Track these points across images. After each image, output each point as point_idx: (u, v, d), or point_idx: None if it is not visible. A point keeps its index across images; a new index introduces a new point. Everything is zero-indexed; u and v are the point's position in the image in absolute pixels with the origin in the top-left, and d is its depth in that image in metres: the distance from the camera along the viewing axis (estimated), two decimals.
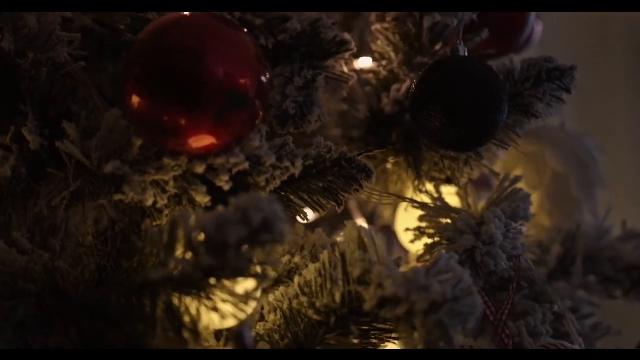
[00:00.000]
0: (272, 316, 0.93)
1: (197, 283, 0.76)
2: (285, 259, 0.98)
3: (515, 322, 0.99)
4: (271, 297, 0.92)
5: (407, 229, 1.06)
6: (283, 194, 0.94)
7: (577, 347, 0.95)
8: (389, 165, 1.11)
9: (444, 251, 0.85)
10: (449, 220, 1.01)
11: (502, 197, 1.03)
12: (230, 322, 0.80)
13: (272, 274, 0.96)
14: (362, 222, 1.26)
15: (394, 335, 0.87)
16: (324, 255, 0.89)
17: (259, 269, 0.77)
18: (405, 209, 1.14)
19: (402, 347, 0.91)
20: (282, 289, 0.92)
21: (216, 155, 0.87)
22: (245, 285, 0.79)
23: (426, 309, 0.79)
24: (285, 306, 0.90)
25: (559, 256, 1.17)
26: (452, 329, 0.80)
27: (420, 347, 0.81)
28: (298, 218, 0.97)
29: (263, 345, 0.92)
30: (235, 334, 0.75)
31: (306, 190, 0.94)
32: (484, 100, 0.96)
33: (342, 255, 0.88)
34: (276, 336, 0.91)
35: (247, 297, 0.78)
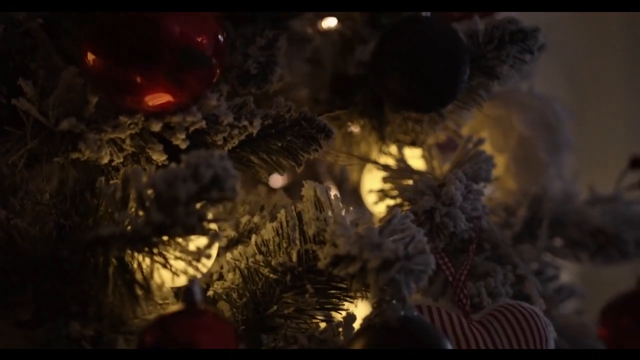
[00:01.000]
0: (230, 275, 0.93)
1: (148, 239, 0.76)
2: (245, 218, 0.98)
3: (476, 283, 1.00)
4: (229, 256, 0.92)
5: (371, 191, 1.06)
6: (242, 153, 0.94)
7: (537, 308, 0.95)
8: (354, 128, 1.11)
9: (398, 210, 0.85)
10: (410, 182, 1.01)
11: (465, 158, 1.03)
12: (185, 280, 0.81)
13: (224, 231, 0.97)
14: (331, 186, 1.27)
15: (350, 294, 0.87)
16: (282, 215, 0.89)
17: (211, 227, 0.77)
18: (370, 172, 1.14)
19: (359, 307, 0.91)
20: (240, 248, 0.92)
21: (173, 113, 0.87)
22: (199, 242, 0.79)
23: (378, 267, 0.79)
24: (242, 265, 0.90)
25: (524, 219, 1.17)
26: (404, 286, 0.80)
27: (374, 304, 0.81)
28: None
29: (222, 305, 0.93)
30: (183, 289, 0.76)
31: (265, 150, 0.94)
32: (446, 61, 0.96)
33: (299, 214, 0.88)
34: (234, 295, 0.91)
35: (199, 255, 0.78)
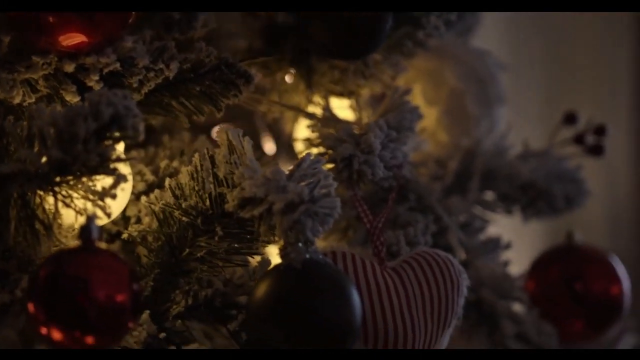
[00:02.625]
0: (147, 219, 0.94)
1: (48, 178, 0.76)
2: (164, 163, 0.98)
3: (396, 232, 1.01)
4: (144, 199, 0.93)
5: (296, 139, 1.07)
6: (161, 97, 0.94)
7: (451, 256, 0.96)
8: (286, 77, 1.11)
9: (309, 155, 0.86)
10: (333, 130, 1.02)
11: (390, 108, 1.03)
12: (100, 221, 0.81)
13: (143, 175, 0.98)
14: (268, 137, 1.27)
15: (261, 238, 0.87)
16: (196, 158, 0.89)
17: (114, 166, 0.77)
18: (301, 122, 1.15)
19: (272, 253, 0.92)
20: (157, 191, 0.92)
21: (87, 54, 0.87)
22: (104, 182, 0.79)
23: (283, 209, 0.80)
24: (157, 208, 0.91)
25: (455, 172, 1.18)
26: (309, 229, 0.81)
27: (279, 247, 0.82)
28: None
29: (139, 249, 0.93)
30: (80, 226, 0.76)
31: (184, 95, 0.94)
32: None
33: (212, 157, 0.88)
34: (150, 238, 0.92)
35: (104, 195, 0.78)
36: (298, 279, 0.81)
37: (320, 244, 1.07)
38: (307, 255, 0.82)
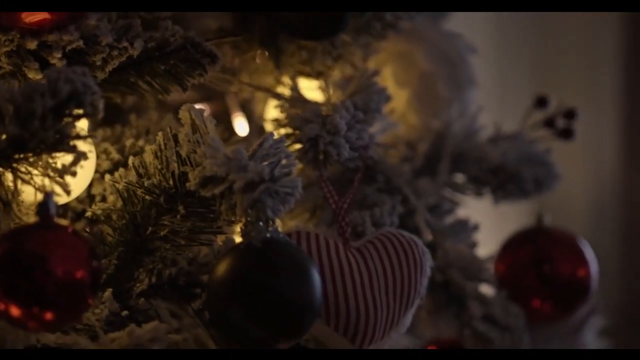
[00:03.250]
0: (112, 197, 0.94)
1: (7, 154, 0.76)
2: (130, 142, 0.98)
3: (362, 212, 1.01)
4: (108, 177, 0.93)
5: (265, 120, 1.07)
6: (126, 76, 0.94)
7: (415, 237, 0.96)
8: (256, 57, 1.11)
9: (271, 134, 0.86)
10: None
11: (358, 90, 1.03)
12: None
13: (110, 154, 0.98)
14: (240, 118, 1.27)
15: (223, 216, 0.87)
16: (159, 137, 0.89)
17: (74, 143, 0.77)
18: (271, 103, 1.15)
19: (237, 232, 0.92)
20: (121, 170, 0.92)
21: (49, 31, 0.87)
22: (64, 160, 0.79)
23: (243, 188, 0.80)
24: (121, 186, 0.91)
25: (425, 154, 1.18)
26: (269, 208, 0.81)
27: (240, 226, 0.83)
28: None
29: (105, 229, 0.94)
30: (39, 203, 0.76)
31: (150, 74, 0.94)
32: None
33: (175, 136, 0.88)
34: (114, 216, 0.92)
35: (63, 172, 0.78)
36: (258, 258, 0.81)
37: (289, 224, 1.08)
38: (268, 234, 0.83)
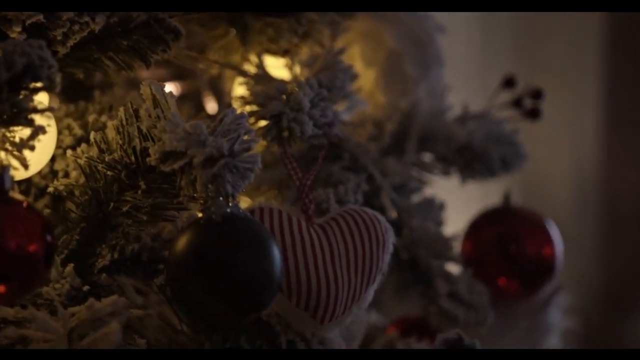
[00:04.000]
0: (74, 173, 0.94)
1: None
2: (93, 117, 0.98)
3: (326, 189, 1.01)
4: (69, 153, 0.93)
5: (232, 97, 1.07)
6: (89, 51, 0.94)
7: (379, 215, 0.97)
8: (223, 35, 1.11)
9: (232, 110, 0.86)
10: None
11: (324, 67, 1.03)
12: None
13: (72, 129, 0.98)
14: (211, 98, 1.27)
15: (183, 192, 0.87)
16: (121, 112, 0.89)
17: (32, 117, 0.77)
18: (238, 80, 1.15)
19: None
20: (84, 145, 0.92)
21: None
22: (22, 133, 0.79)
23: (202, 163, 0.81)
24: (83, 162, 0.91)
25: (393, 133, 1.18)
26: (229, 183, 0.81)
27: (200, 201, 0.83)
28: None
29: (69, 205, 0.93)
30: None
31: (113, 49, 0.94)
32: None
33: (136, 112, 0.88)
34: (77, 192, 0.92)
35: (21, 146, 0.78)
36: (217, 232, 0.82)
37: (255, 201, 1.08)
38: (228, 210, 0.83)
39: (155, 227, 0.94)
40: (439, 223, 1.18)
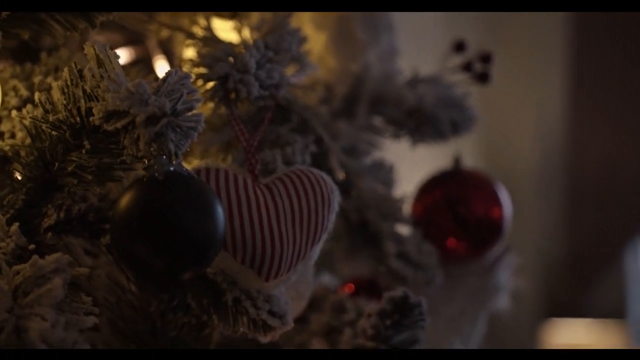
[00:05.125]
0: (20, 134, 0.94)
1: None
2: (38, 78, 0.98)
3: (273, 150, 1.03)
4: (15, 113, 0.93)
5: (181, 60, 1.07)
6: (35, 13, 0.94)
7: (325, 175, 0.98)
8: None
9: (176, 70, 0.87)
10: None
11: (271, 30, 1.04)
12: None
13: (18, 91, 0.98)
14: (161, 60, 1.27)
15: (127, 151, 0.88)
16: (65, 72, 0.89)
17: None
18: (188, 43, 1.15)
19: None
20: (29, 106, 0.92)
21: None
22: None
23: (145, 122, 0.81)
24: (28, 122, 0.91)
25: (343, 96, 1.20)
26: (171, 142, 0.82)
27: (143, 160, 0.84)
28: None
29: (15, 166, 0.94)
30: None
31: (57, 10, 0.94)
32: None
33: (80, 71, 0.88)
34: (23, 153, 0.92)
35: None
36: (159, 190, 0.82)
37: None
38: (171, 168, 0.84)
39: (103, 187, 0.95)
40: (389, 185, 1.20)
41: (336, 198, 0.98)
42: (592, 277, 4.45)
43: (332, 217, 0.97)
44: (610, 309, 4.32)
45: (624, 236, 4.40)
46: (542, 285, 4.45)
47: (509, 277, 1.29)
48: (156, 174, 0.83)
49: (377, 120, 1.24)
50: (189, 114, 0.83)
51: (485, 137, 4.28)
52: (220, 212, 0.85)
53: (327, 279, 1.24)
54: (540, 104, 4.31)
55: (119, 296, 0.99)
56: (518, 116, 4.40)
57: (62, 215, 0.92)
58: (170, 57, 1.28)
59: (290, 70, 1.05)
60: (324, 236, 0.96)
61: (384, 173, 1.19)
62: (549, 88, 4.38)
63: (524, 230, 4.43)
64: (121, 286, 0.99)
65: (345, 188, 1.14)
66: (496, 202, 1.23)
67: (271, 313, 0.94)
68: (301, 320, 1.17)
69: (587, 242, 4.43)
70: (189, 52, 1.15)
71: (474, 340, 1.26)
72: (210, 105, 1.00)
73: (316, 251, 0.96)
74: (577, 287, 4.36)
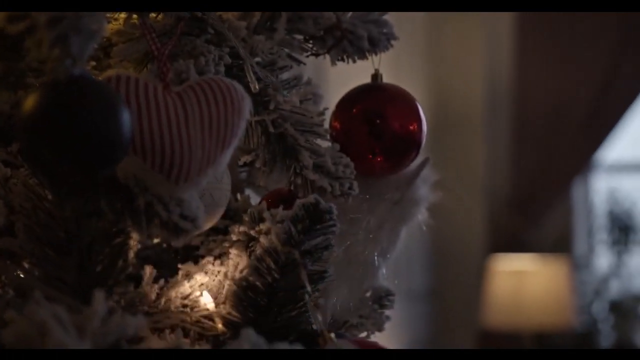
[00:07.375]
0: None
1: None
2: None
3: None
4: None
5: None
6: None
7: (236, 83, 1.00)
8: None
9: None
10: None
11: None
12: None
13: None
14: None
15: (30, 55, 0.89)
16: None
17: None
18: None
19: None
20: None
21: None
22: None
23: (46, 23, 0.82)
24: None
25: (262, 13, 1.21)
26: (74, 45, 0.83)
27: (47, 63, 0.85)
28: None
29: None
30: None
31: None
32: None
33: None
34: None
35: None
36: (62, 93, 0.84)
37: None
38: (77, 72, 0.85)
39: (15, 95, 0.97)
40: (307, 98, 1.22)
41: (247, 106, 1.00)
42: (537, 214, 4.56)
43: (243, 124, 1.00)
44: (556, 244, 4.45)
45: (569, 174, 4.50)
46: (488, 223, 4.55)
47: (428, 190, 1.32)
48: (59, 77, 0.84)
49: (296, 37, 1.26)
50: (92, 16, 0.84)
51: (434, 72, 4.33)
52: (125, 114, 0.87)
53: (249, 191, 1.27)
54: (489, 43, 4.35)
55: (35, 203, 1.01)
56: (466, 54, 4.45)
57: None
58: None
59: None
60: (234, 142, 0.99)
61: (305, 88, 1.21)
62: (498, 27, 4.42)
63: (471, 168, 4.52)
64: (37, 194, 1.01)
65: (263, 101, 1.16)
66: (413, 116, 1.26)
67: (182, 216, 0.96)
68: (222, 231, 1.20)
69: (533, 180, 4.52)
70: None
71: (392, 253, 1.30)
72: (123, 15, 1.01)
73: (226, 157, 0.99)
74: (522, 224, 4.47)
